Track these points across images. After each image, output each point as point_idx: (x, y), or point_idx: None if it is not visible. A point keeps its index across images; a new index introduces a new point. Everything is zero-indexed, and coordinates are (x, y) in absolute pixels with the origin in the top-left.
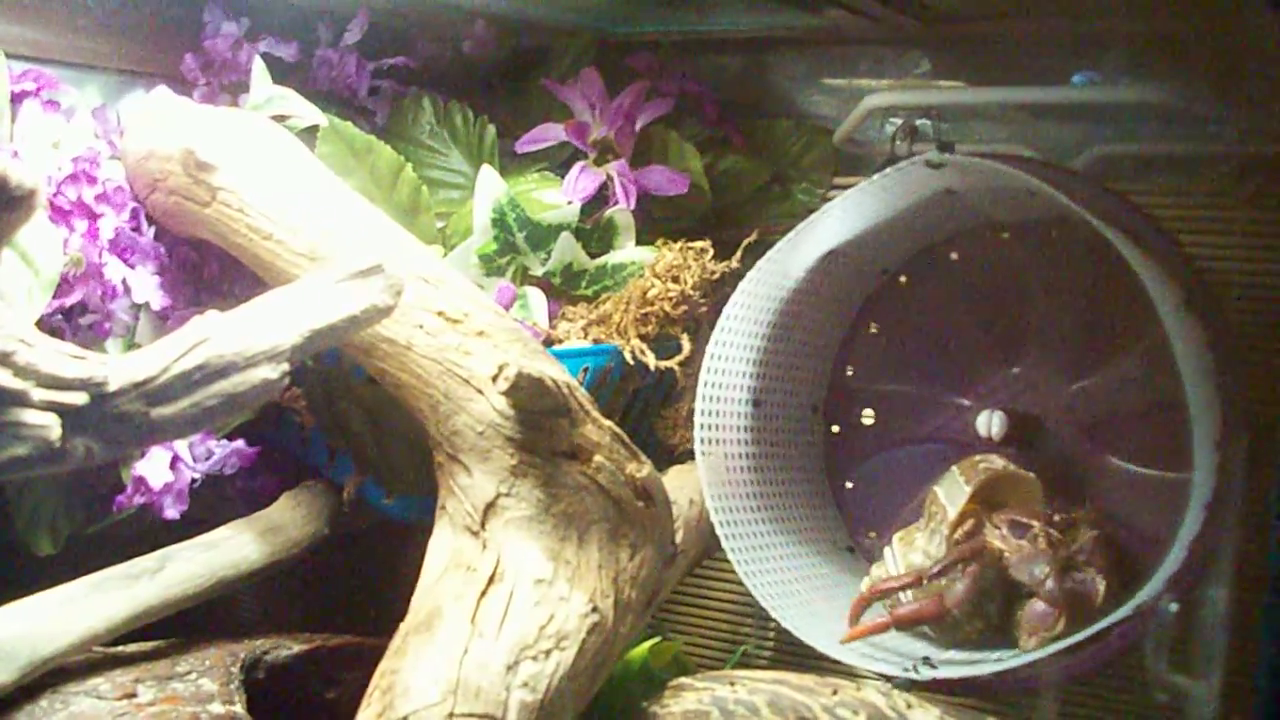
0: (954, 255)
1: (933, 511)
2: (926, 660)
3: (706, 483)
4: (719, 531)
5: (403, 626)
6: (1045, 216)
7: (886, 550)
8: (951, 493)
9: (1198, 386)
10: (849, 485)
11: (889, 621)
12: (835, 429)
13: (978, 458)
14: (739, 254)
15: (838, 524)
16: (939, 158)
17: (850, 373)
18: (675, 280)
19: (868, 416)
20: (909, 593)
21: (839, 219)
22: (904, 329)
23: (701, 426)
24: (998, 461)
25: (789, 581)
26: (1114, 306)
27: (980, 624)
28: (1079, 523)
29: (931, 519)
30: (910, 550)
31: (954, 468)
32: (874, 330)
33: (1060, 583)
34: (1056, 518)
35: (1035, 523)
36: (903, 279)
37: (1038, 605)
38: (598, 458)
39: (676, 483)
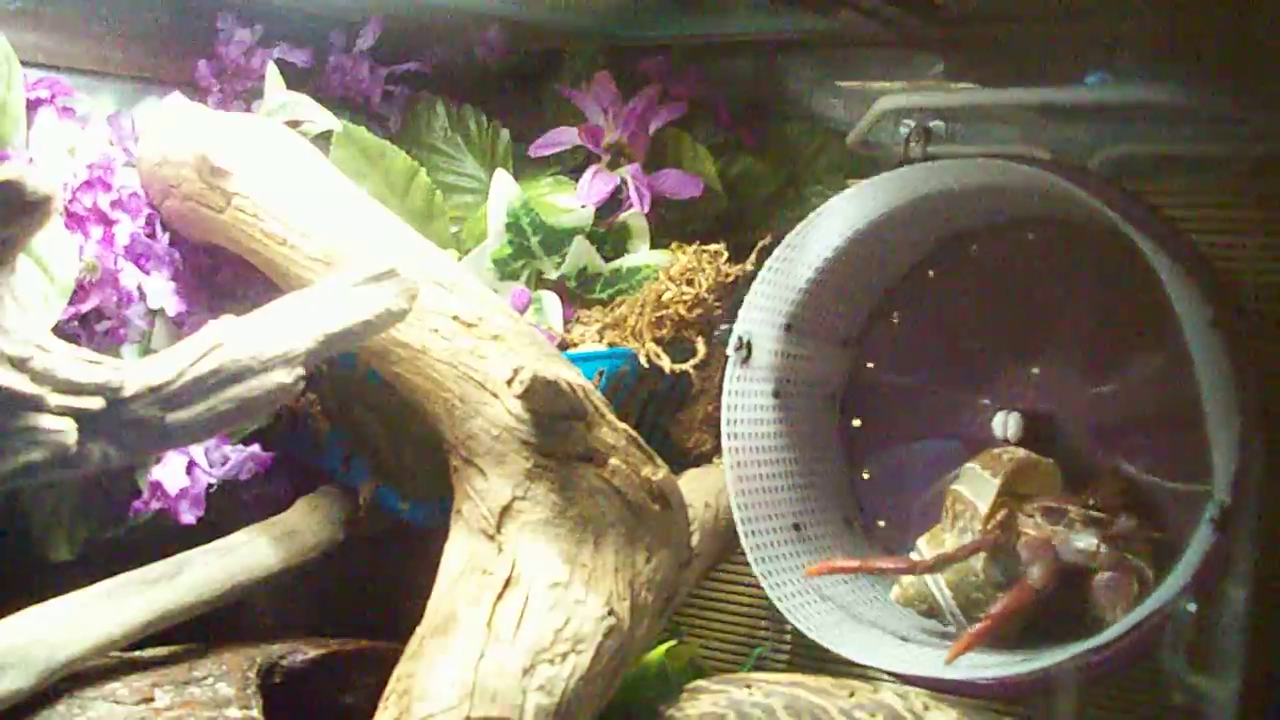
0: (977, 252)
1: (959, 510)
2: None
3: (732, 479)
4: (740, 529)
5: (419, 630)
6: (1067, 216)
7: (913, 555)
8: (978, 488)
9: (1217, 391)
10: (866, 476)
11: (985, 628)
12: (855, 421)
13: (997, 450)
14: (753, 257)
15: (854, 513)
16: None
17: (870, 365)
18: (690, 283)
19: (887, 410)
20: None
21: (855, 207)
22: (925, 323)
23: (729, 421)
24: (1019, 450)
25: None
26: (1133, 310)
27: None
28: (1112, 509)
29: (959, 518)
30: (938, 551)
31: (972, 464)
32: (895, 322)
33: (1114, 546)
34: (1090, 500)
35: (1070, 507)
36: (930, 273)
37: (1103, 576)
38: (613, 461)
39: (692, 485)
